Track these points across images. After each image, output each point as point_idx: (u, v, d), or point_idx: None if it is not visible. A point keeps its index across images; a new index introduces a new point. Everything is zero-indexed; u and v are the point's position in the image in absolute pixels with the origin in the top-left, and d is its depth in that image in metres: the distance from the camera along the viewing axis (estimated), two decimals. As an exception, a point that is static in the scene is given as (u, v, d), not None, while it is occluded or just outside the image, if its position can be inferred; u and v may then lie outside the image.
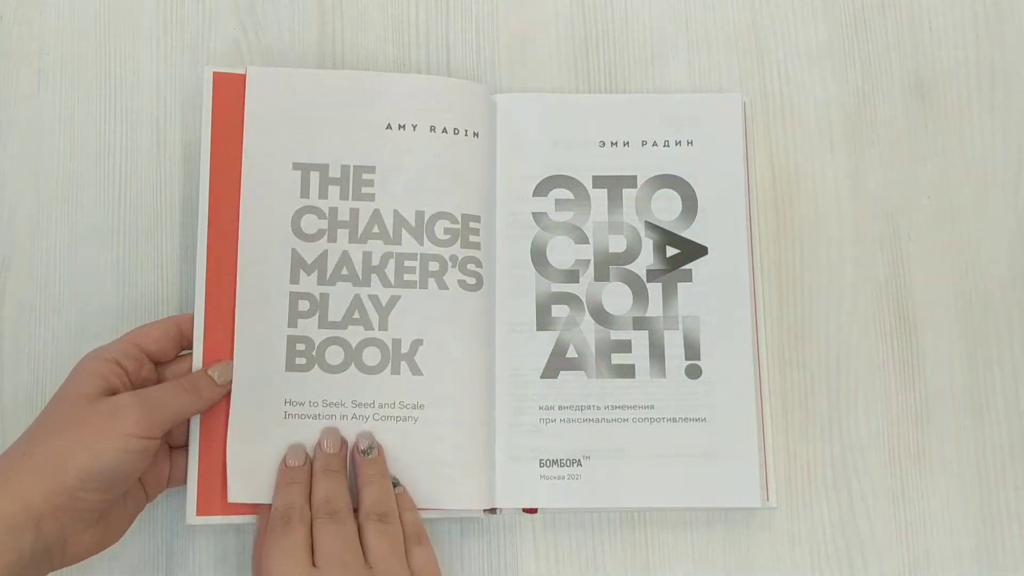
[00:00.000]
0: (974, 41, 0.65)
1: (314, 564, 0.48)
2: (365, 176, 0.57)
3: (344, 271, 0.56)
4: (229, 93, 0.57)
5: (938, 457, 0.60)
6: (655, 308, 0.58)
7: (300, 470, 0.53)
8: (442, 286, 0.57)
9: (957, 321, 0.62)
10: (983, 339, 0.61)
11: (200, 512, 0.53)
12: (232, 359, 0.54)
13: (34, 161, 0.60)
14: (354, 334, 0.56)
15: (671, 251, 0.59)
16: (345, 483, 0.53)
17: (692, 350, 0.58)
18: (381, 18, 0.64)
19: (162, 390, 0.51)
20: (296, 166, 0.57)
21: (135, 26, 0.63)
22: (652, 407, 0.57)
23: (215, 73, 0.57)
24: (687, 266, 0.59)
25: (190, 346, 0.54)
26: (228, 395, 0.54)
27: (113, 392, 0.49)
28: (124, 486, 0.49)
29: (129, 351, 0.51)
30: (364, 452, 0.53)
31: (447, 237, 0.57)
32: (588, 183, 0.60)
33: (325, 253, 0.56)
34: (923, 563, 0.59)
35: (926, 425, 0.60)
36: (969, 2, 0.65)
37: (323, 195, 0.57)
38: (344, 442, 0.54)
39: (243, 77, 0.57)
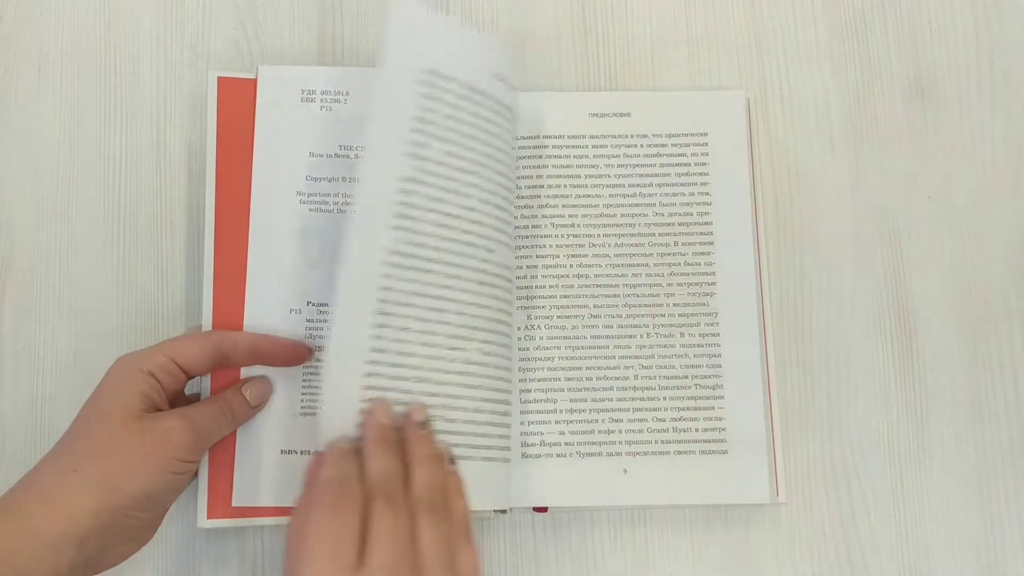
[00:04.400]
0: (974, 41, 0.65)
1: (361, 557, 0.42)
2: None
3: None
4: (234, 97, 0.57)
5: (938, 457, 0.60)
6: None
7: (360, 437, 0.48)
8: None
9: (957, 321, 0.61)
10: (983, 339, 0.61)
11: (211, 515, 0.53)
12: (266, 376, 0.54)
13: (34, 161, 0.60)
14: None
15: None
16: (401, 460, 0.47)
17: None
18: (381, 18, 0.64)
19: (205, 414, 0.50)
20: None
21: (135, 26, 0.63)
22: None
23: (220, 78, 0.57)
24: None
25: (225, 364, 0.53)
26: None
27: (154, 406, 0.49)
28: (169, 504, 0.50)
29: (165, 365, 0.50)
30: (420, 425, 0.49)
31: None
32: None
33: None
34: (923, 563, 0.59)
35: (926, 425, 0.60)
36: (969, 2, 0.65)
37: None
38: (395, 416, 0.49)
39: (247, 81, 0.57)
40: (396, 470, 0.46)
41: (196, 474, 0.53)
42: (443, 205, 0.53)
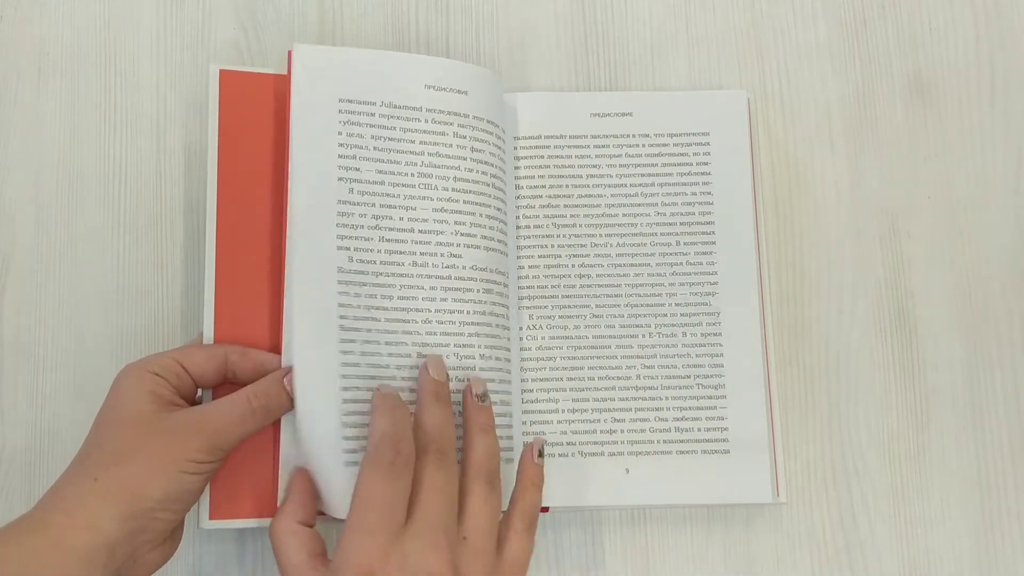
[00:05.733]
0: (974, 41, 0.65)
1: (409, 513, 0.44)
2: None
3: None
4: (236, 92, 0.56)
5: (938, 457, 0.60)
6: None
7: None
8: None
9: (957, 321, 0.62)
10: (983, 339, 0.61)
11: (213, 516, 0.52)
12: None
13: (34, 161, 0.60)
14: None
15: None
16: (453, 418, 0.48)
17: None
18: (381, 18, 0.64)
19: (225, 413, 0.48)
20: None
21: (135, 26, 0.63)
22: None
23: (222, 71, 0.56)
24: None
25: (232, 379, 0.52)
26: None
27: (166, 404, 0.48)
28: (193, 502, 0.49)
29: (172, 367, 0.49)
30: (479, 398, 0.50)
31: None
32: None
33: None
34: (923, 563, 0.59)
35: (926, 425, 0.60)
36: (969, 2, 0.66)
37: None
38: (448, 376, 0.50)
39: (249, 75, 0.56)
40: (449, 426, 0.47)
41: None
42: (387, 221, 0.54)
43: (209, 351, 0.51)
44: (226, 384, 0.52)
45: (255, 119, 0.56)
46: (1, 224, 0.59)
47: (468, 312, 0.55)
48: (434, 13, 0.64)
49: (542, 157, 0.60)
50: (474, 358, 0.54)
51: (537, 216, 0.59)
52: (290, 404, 0.51)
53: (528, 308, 0.58)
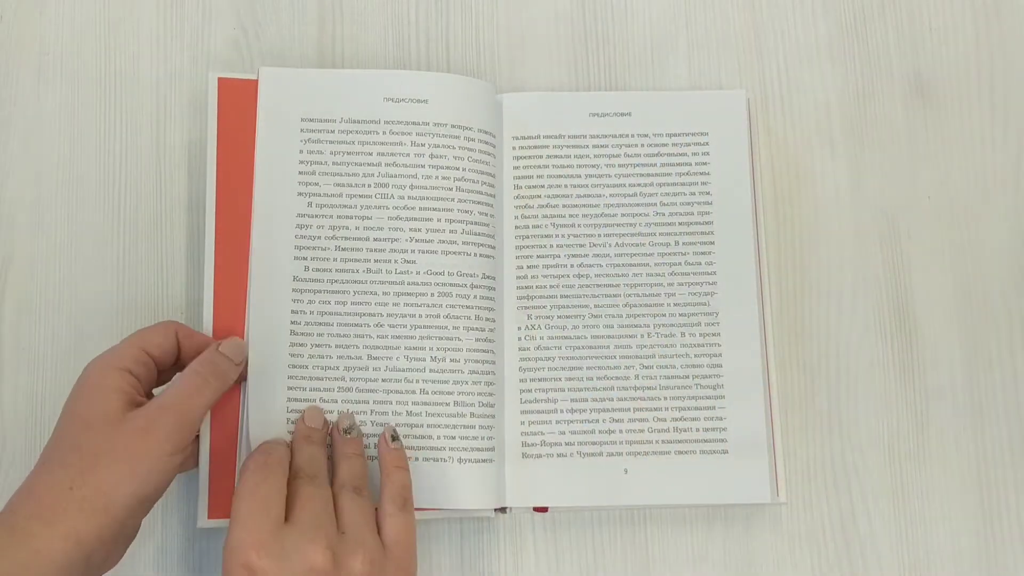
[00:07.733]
0: (974, 41, 0.65)
1: (289, 517, 0.47)
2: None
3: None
4: (234, 98, 0.57)
5: (938, 457, 0.60)
6: None
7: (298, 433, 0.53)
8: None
9: (957, 321, 0.62)
10: (983, 339, 0.61)
11: (212, 515, 0.53)
12: (241, 336, 0.54)
13: (34, 161, 0.60)
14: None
15: None
16: (325, 454, 0.52)
17: None
18: (381, 18, 0.64)
19: (182, 391, 0.49)
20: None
21: (135, 26, 0.63)
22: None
23: (220, 79, 0.57)
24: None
25: (182, 355, 0.53)
26: (239, 399, 0.54)
27: (134, 403, 0.48)
28: (161, 497, 0.49)
29: (139, 357, 0.50)
30: (345, 431, 0.53)
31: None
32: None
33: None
34: (923, 563, 0.59)
35: (926, 425, 0.60)
36: (969, 2, 0.66)
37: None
38: (326, 421, 0.54)
39: (247, 82, 0.57)
40: (318, 459, 0.51)
41: (197, 460, 0.53)
42: (343, 231, 0.57)
43: (162, 328, 0.52)
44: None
45: (252, 124, 0.57)
46: (1, 224, 0.59)
47: (420, 316, 0.56)
48: (434, 13, 0.64)
49: (540, 157, 0.60)
50: (424, 360, 0.56)
51: (536, 216, 0.59)
52: (236, 369, 0.53)
53: (527, 308, 0.58)
